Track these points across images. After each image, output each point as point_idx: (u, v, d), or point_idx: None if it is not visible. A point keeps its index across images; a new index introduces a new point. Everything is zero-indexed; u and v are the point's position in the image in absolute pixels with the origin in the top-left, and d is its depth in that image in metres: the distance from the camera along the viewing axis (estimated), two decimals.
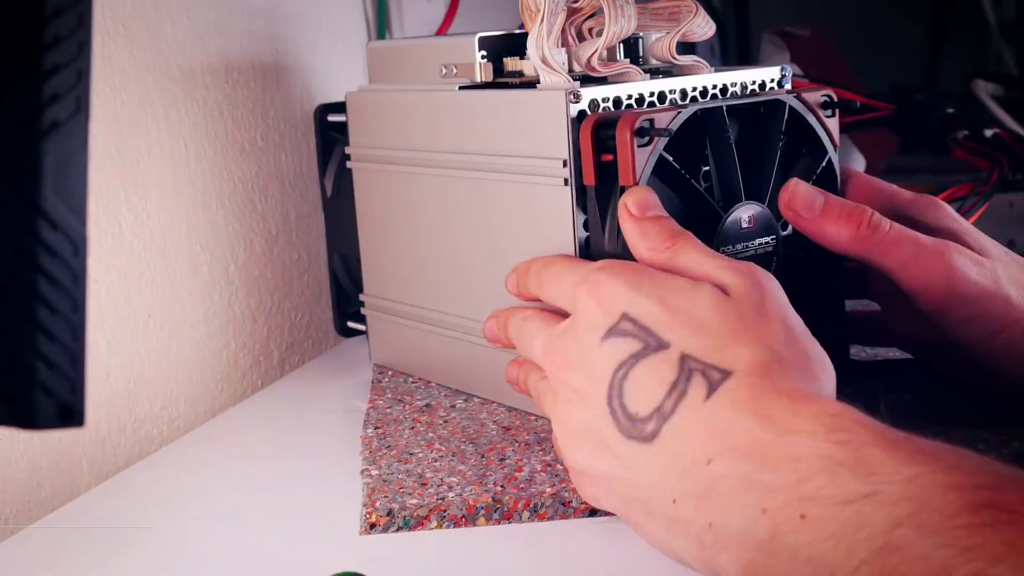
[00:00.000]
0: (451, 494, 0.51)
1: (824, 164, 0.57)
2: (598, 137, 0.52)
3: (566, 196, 0.53)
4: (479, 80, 0.59)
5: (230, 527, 0.52)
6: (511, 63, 0.59)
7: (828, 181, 0.57)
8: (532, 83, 0.56)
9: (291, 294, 0.78)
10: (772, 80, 0.60)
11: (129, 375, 0.64)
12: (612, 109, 0.54)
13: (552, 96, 0.53)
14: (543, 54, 0.54)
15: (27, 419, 0.32)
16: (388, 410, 0.63)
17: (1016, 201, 0.85)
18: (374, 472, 0.54)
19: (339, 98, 0.70)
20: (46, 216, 0.31)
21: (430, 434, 0.59)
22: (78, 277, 0.32)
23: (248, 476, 0.58)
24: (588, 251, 0.54)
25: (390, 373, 0.70)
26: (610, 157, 0.51)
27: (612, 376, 0.44)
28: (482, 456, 0.55)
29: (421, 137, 0.62)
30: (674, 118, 0.52)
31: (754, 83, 0.59)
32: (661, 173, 0.52)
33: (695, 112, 0.52)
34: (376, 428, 0.60)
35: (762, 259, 0.54)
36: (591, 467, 0.45)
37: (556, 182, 0.54)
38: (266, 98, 0.75)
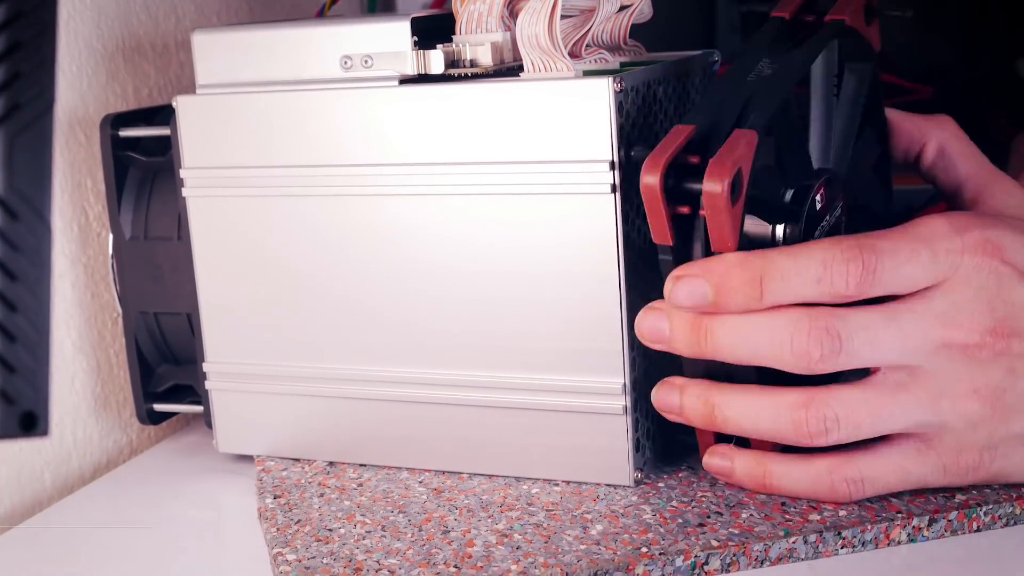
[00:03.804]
0: None
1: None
2: (675, 190, 0.46)
3: (609, 205, 0.49)
4: (418, 72, 0.52)
5: (201, 547, 0.52)
6: (448, 50, 0.52)
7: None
8: (499, 72, 0.52)
9: None
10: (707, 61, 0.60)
11: (96, 379, 0.63)
12: (641, 102, 0.50)
13: (591, 86, 0.48)
14: (555, 38, 0.50)
15: None
16: (284, 472, 0.57)
17: None
18: (290, 557, 0.48)
19: None
20: (6, 207, 0.31)
21: (346, 502, 0.52)
22: (42, 273, 0.32)
23: (221, 491, 0.57)
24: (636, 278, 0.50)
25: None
26: (688, 209, 0.46)
27: None
28: (419, 529, 0.49)
29: (326, 149, 0.54)
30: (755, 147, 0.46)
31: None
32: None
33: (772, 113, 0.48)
34: (276, 497, 0.54)
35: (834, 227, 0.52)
36: None
37: (598, 188, 0.49)
38: None
